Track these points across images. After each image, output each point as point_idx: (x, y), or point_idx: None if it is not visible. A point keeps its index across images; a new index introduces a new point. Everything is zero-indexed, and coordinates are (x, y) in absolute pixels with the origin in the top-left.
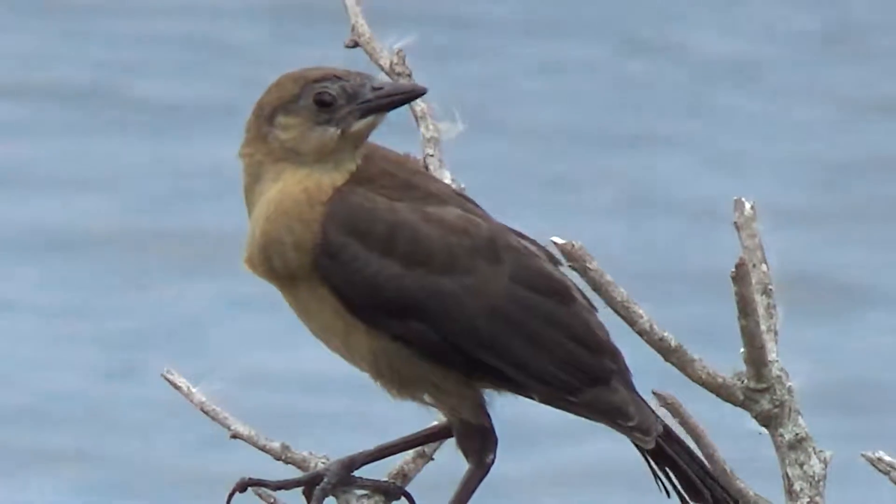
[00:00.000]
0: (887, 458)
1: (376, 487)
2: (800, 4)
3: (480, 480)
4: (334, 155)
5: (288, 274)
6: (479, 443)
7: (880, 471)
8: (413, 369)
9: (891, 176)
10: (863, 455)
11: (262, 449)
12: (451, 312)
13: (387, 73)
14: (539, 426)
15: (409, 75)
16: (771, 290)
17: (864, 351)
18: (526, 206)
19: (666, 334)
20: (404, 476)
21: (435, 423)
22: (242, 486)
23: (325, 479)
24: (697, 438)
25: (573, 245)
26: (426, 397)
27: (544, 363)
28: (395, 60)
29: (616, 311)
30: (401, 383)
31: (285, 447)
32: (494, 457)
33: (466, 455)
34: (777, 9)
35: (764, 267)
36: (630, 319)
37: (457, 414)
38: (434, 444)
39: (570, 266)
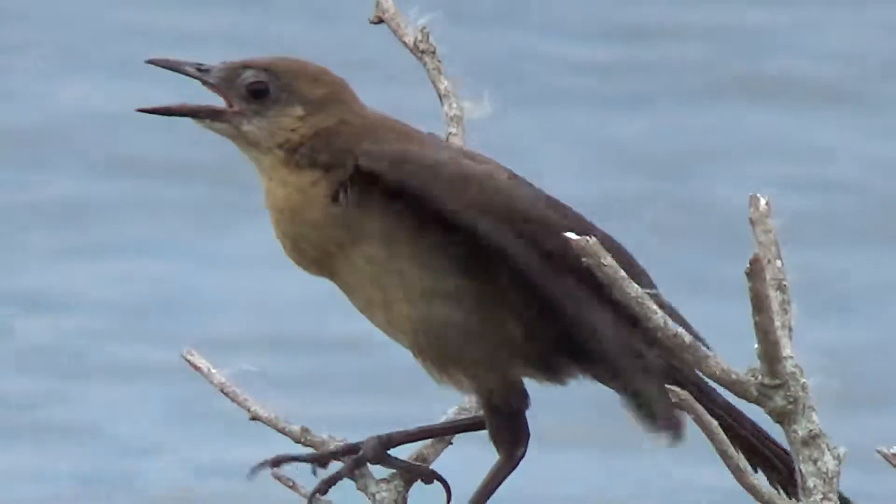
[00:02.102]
0: None
1: (409, 469)
2: None
3: (508, 473)
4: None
5: (324, 254)
6: (512, 435)
7: (895, 466)
8: (452, 341)
9: None
10: (878, 451)
11: (282, 431)
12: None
13: (410, 51)
14: None
15: (434, 52)
16: (785, 285)
17: None
18: None
19: (680, 330)
20: (424, 460)
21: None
22: (276, 462)
23: (361, 452)
24: (711, 435)
25: (587, 241)
26: (464, 377)
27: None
28: (420, 37)
29: (630, 307)
30: (440, 358)
31: (305, 430)
32: (525, 451)
33: (498, 447)
34: None
35: (778, 263)
36: (644, 315)
37: (493, 397)
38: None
39: (583, 262)
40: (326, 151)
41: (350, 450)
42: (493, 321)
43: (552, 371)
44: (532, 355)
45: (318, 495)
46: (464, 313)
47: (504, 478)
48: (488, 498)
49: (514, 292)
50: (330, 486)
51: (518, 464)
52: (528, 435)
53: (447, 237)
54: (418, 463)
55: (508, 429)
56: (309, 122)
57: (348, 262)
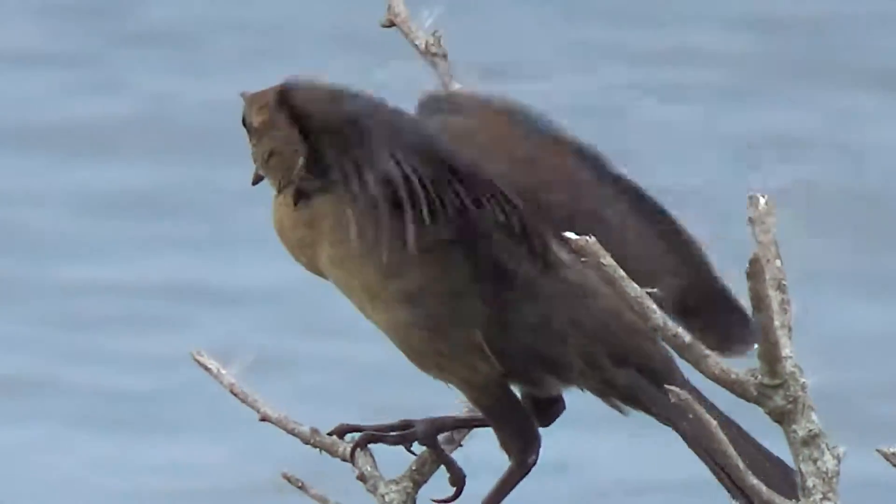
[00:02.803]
0: None
1: (448, 464)
2: None
3: (519, 480)
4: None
5: (307, 258)
6: (519, 442)
7: (895, 465)
8: (420, 341)
9: None
10: (878, 450)
11: (291, 432)
12: None
13: (422, 54)
14: None
15: (445, 56)
16: (785, 285)
17: None
18: None
19: (680, 330)
20: (433, 462)
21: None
22: (340, 432)
23: (413, 429)
24: (710, 435)
25: (587, 241)
26: (441, 377)
27: None
28: (431, 41)
29: (630, 307)
30: (415, 358)
31: (314, 431)
32: (537, 458)
33: (508, 454)
34: None
35: (778, 262)
36: (644, 315)
37: (480, 399)
38: (465, 430)
39: (582, 261)
40: (282, 177)
41: (406, 425)
42: (458, 320)
43: (525, 374)
44: (499, 352)
45: (359, 449)
46: (425, 311)
47: (514, 484)
48: None
49: (475, 288)
50: (369, 443)
51: (529, 470)
52: (538, 441)
53: (397, 235)
54: (459, 466)
55: (514, 435)
56: (253, 153)
57: (322, 265)
